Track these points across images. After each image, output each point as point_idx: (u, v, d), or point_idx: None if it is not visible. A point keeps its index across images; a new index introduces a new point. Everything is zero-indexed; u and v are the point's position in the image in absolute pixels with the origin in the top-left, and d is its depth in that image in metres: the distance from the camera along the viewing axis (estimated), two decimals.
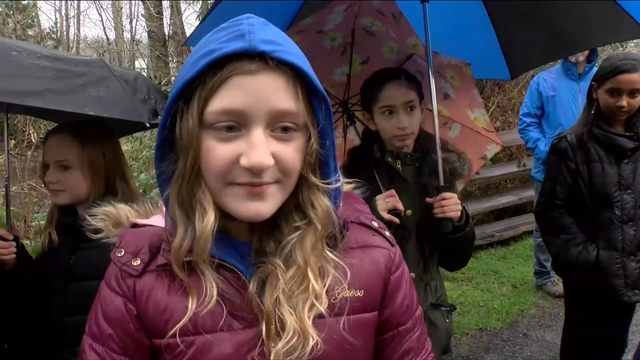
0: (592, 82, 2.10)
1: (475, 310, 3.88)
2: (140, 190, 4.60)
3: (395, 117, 1.69)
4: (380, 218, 1.50)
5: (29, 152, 5.75)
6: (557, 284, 4.06)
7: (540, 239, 3.99)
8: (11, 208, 3.11)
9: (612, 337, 2.28)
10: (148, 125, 1.59)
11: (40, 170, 1.66)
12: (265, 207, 0.69)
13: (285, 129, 0.69)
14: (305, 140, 0.72)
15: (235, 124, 0.67)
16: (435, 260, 1.80)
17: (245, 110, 0.66)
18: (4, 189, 1.94)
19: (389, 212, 1.61)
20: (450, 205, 1.63)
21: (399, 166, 1.74)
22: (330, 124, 0.74)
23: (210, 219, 0.69)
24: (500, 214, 5.51)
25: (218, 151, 0.67)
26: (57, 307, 1.57)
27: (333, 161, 0.76)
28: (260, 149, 0.66)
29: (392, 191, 1.65)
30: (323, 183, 0.75)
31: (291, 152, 0.69)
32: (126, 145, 7.46)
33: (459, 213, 1.65)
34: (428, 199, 1.68)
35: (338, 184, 0.77)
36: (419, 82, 1.77)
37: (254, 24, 0.68)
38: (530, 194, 4.95)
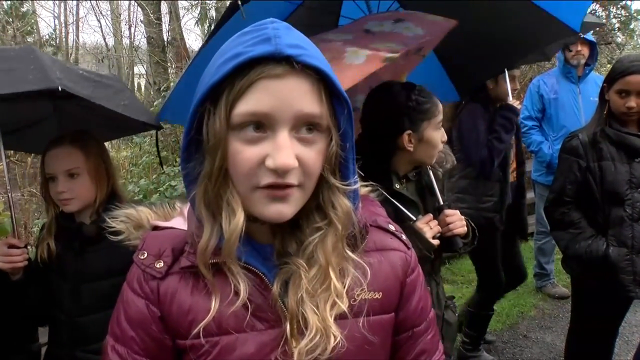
0: (604, 84, 2.13)
1: None
2: (141, 196, 4.60)
3: (441, 130, 1.58)
4: (428, 244, 1.50)
5: (29, 159, 5.76)
6: (556, 286, 4.07)
7: (540, 242, 4.03)
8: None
9: (614, 338, 2.30)
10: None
11: (42, 183, 1.67)
12: (287, 208, 0.71)
13: (310, 130, 0.70)
14: (327, 143, 0.73)
15: (262, 125, 0.69)
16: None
17: (272, 113, 0.67)
18: (6, 196, 1.97)
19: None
20: (455, 222, 1.60)
21: (404, 185, 1.65)
22: (351, 128, 0.75)
23: (239, 220, 0.71)
24: None
25: (245, 153, 0.69)
26: (68, 309, 1.62)
27: (352, 164, 0.77)
28: (286, 150, 0.67)
29: (430, 215, 1.60)
30: (342, 184, 0.76)
31: (314, 154, 0.71)
32: (126, 151, 7.47)
33: (466, 229, 1.62)
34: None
35: (357, 186, 0.78)
36: None
37: (279, 28, 0.69)
38: (529, 196, 4.94)
